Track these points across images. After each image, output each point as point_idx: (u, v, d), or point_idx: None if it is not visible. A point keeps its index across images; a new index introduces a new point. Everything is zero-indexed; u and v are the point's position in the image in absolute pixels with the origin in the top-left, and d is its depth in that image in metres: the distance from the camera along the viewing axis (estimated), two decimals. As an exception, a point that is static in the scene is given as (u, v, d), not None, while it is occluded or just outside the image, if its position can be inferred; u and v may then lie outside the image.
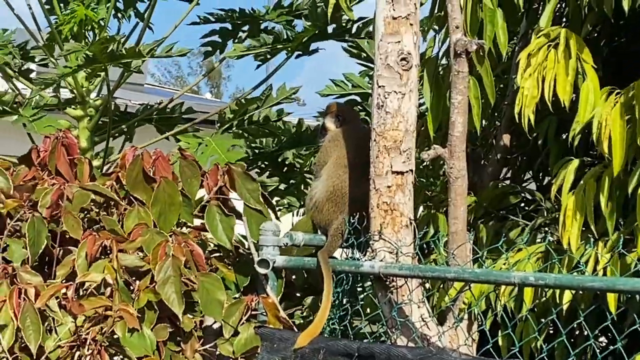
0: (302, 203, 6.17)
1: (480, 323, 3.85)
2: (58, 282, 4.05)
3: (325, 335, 4.07)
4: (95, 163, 5.17)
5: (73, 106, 5.41)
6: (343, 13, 5.23)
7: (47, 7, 5.50)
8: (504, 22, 4.08)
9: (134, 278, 4.10)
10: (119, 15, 5.62)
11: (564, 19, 4.31)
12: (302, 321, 4.69)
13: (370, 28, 5.53)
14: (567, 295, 3.72)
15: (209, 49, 5.87)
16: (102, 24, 5.12)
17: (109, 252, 4.10)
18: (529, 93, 3.85)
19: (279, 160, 6.04)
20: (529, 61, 3.88)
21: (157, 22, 5.73)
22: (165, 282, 3.96)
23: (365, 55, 5.75)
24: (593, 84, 3.80)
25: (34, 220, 4.07)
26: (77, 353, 3.97)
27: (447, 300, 3.84)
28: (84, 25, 5.01)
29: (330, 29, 5.57)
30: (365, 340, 4.00)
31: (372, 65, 5.52)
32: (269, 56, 5.61)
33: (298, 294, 4.78)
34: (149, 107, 6.01)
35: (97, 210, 4.33)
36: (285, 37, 5.44)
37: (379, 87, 3.90)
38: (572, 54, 3.82)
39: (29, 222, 4.05)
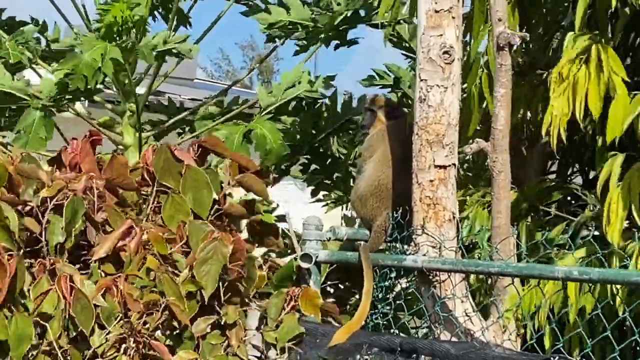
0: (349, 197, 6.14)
1: (525, 319, 3.82)
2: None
3: (369, 330, 4.07)
4: (135, 159, 5.17)
5: (116, 102, 5.44)
6: None
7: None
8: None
9: (175, 269, 4.10)
10: (156, 13, 5.65)
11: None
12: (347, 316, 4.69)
13: (403, 11, 5.50)
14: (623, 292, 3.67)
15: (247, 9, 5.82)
16: (141, 21, 5.12)
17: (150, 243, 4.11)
18: (559, 113, 3.84)
19: (321, 150, 5.97)
20: (561, 77, 3.85)
21: (205, 22, 5.77)
22: (204, 261, 3.95)
23: (407, 45, 5.71)
24: (623, 101, 3.76)
25: (74, 200, 4.06)
26: (124, 346, 3.99)
27: (495, 301, 3.81)
28: (121, 24, 5.01)
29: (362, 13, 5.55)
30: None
31: (414, 56, 5.51)
32: (305, 42, 5.59)
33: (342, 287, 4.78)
34: (202, 101, 6.02)
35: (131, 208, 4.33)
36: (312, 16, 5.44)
37: (422, 80, 3.89)
38: (604, 69, 3.79)
39: (68, 201, 4.04)
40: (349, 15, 5.43)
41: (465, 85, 4.27)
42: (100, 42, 4.92)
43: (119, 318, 3.98)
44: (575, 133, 4.46)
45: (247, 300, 4.16)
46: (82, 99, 5.26)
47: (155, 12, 5.62)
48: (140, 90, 5.67)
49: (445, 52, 3.86)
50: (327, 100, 5.79)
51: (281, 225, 4.60)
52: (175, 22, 5.55)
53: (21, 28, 5.62)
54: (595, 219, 4.15)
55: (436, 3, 3.87)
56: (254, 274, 4.12)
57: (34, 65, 5.58)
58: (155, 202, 4.27)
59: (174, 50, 5.05)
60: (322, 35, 5.56)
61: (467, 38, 4.43)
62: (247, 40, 39.32)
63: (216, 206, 4.22)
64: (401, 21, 5.59)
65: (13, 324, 3.86)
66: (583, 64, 3.84)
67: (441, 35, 3.86)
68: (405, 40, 5.69)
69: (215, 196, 4.19)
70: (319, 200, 6.20)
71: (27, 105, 5.19)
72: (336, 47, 5.68)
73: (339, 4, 5.39)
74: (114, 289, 3.97)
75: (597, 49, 3.83)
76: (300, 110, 5.68)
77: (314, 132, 5.83)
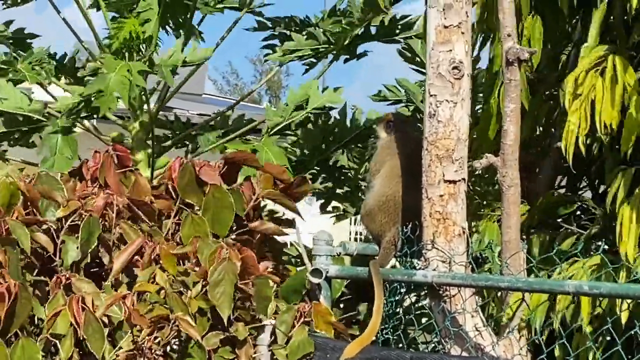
0: (357, 210, 6.14)
1: (535, 333, 3.82)
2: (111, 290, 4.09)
3: (379, 345, 4.07)
4: (147, 174, 5.19)
5: (126, 118, 5.45)
6: (385, 11, 5.24)
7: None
8: (539, 32, 4.06)
9: (185, 287, 4.11)
10: (167, 28, 5.66)
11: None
12: (357, 332, 4.69)
13: (415, 27, 5.51)
14: (625, 305, 3.67)
15: (270, 51, 5.86)
16: (151, 38, 5.14)
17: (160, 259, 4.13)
18: (575, 128, 3.85)
19: (330, 163, 5.99)
20: (576, 91, 3.86)
21: (215, 36, 5.78)
22: (217, 284, 3.97)
23: (419, 59, 5.72)
24: (637, 113, 3.77)
25: (89, 220, 4.10)
26: (134, 362, 4.01)
27: (506, 319, 3.81)
28: (133, 40, 5.03)
29: (373, 30, 5.55)
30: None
31: (422, 70, 5.53)
32: (314, 60, 5.60)
33: (352, 303, 4.77)
34: (209, 117, 6.03)
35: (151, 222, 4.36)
36: (325, 38, 5.44)
37: (431, 96, 3.90)
38: (618, 80, 3.79)
39: (84, 221, 4.08)
40: (360, 33, 5.43)
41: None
42: (119, 60, 4.93)
43: (128, 334, 3.99)
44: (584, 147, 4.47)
45: (257, 317, 4.16)
46: (96, 116, 5.27)
47: (167, 27, 5.64)
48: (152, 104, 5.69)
49: (455, 68, 3.87)
50: (336, 114, 5.80)
51: (290, 238, 4.61)
52: (186, 37, 5.56)
53: (30, 50, 5.64)
54: (605, 232, 4.15)
55: (445, 18, 3.88)
56: (266, 292, 4.11)
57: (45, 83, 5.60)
58: (177, 218, 4.30)
59: (187, 60, 5.05)
60: (334, 52, 5.56)
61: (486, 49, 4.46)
62: (257, 54, 39.32)
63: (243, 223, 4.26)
64: (412, 36, 5.60)
65: (19, 350, 3.87)
66: (599, 75, 3.84)
67: (450, 50, 3.88)
68: (417, 54, 5.70)
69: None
70: (327, 212, 6.20)
71: (43, 126, 5.22)
72: (345, 60, 5.69)
73: (350, 16, 5.37)
74: (122, 304, 3.99)
75: (613, 59, 3.83)
76: (308, 123, 5.68)
77: (323, 146, 5.83)
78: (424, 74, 5.53)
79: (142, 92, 5.23)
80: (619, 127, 3.79)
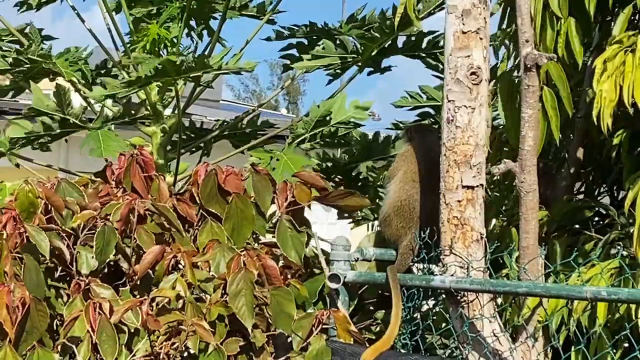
0: (375, 216, 6.17)
1: (553, 339, 3.81)
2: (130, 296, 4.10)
3: (397, 350, 4.07)
4: (168, 179, 5.21)
5: (147, 123, 5.47)
6: (413, 27, 5.23)
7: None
8: (577, 31, 4.04)
9: (204, 293, 4.13)
10: (192, 33, 5.68)
11: (638, 29, 4.25)
12: (374, 337, 4.68)
13: (442, 43, 5.50)
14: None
15: (288, 62, 5.89)
16: (175, 41, 5.18)
17: (181, 266, 4.14)
18: (607, 95, 3.80)
19: (353, 174, 6.03)
20: (605, 66, 3.84)
21: (231, 40, 5.79)
22: (236, 294, 3.98)
23: (442, 68, 5.72)
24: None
25: (104, 229, 4.12)
26: (152, 366, 4.01)
27: (522, 320, 3.81)
28: (157, 44, 5.07)
29: (400, 43, 5.55)
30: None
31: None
32: (339, 70, 5.61)
33: (371, 308, 4.77)
34: (224, 123, 6.05)
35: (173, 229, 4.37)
36: (353, 48, 5.44)
37: (449, 101, 3.90)
38: None
39: (99, 230, 4.10)
40: (387, 45, 5.43)
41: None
42: (154, 57, 4.94)
43: (145, 339, 4.00)
44: (600, 152, 4.46)
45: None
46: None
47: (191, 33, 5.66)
48: (167, 111, 5.71)
49: (473, 73, 3.87)
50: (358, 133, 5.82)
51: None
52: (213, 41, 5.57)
53: (67, 47, 5.66)
54: (623, 239, 4.14)
55: (463, 24, 3.88)
56: (287, 308, 4.08)
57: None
58: (199, 225, 4.31)
59: (231, 69, 5.05)
60: (359, 64, 5.57)
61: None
62: (275, 59, 39.30)
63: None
64: (437, 53, 5.58)
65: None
66: (630, 53, 3.82)
67: (469, 56, 3.88)
68: (441, 62, 5.69)
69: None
70: (345, 218, 6.21)
71: (79, 129, 5.25)
72: (369, 73, 5.69)
73: (376, 29, 5.37)
74: (139, 310, 4.00)
75: None
76: (332, 137, 5.69)
77: (346, 159, 5.86)
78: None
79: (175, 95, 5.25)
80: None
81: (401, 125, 5.99)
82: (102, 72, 5.89)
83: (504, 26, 4.43)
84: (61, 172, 5.86)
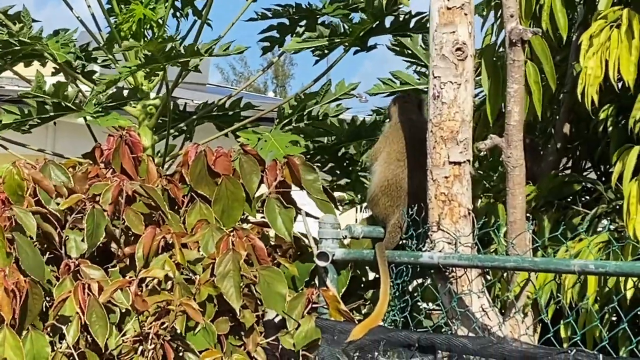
0: (362, 198, 6.16)
1: (542, 313, 3.83)
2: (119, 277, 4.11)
3: (386, 326, 4.08)
4: (155, 161, 5.20)
5: (133, 105, 5.45)
6: (400, 6, 5.22)
7: (107, 7, 5.54)
8: (562, 6, 4.04)
9: (193, 274, 4.13)
10: (177, 14, 5.66)
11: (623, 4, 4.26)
12: (361, 317, 4.70)
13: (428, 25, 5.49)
14: (630, 283, 3.68)
15: (267, 44, 5.88)
16: (161, 22, 5.15)
17: (170, 247, 4.15)
18: (592, 72, 3.81)
19: (339, 154, 6.02)
20: (591, 42, 3.84)
21: (215, 20, 5.75)
22: (224, 275, 3.99)
23: (410, 52, 5.72)
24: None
25: (94, 212, 4.11)
26: (140, 347, 4.01)
27: (512, 296, 3.82)
28: (142, 25, 5.04)
29: (388, 23, 5.54)
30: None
31: (417, 62, 5.53)
32: (326, 51, 5.60)
33: (361, 285, 4.78)
34: (208, 104, 6.04)
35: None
36: (342, 30, 5.43)
37: (435, 77, 3.90)
38: (635, 34, 3.77)
39: (89, 213, 4.10)
40: (374, 25, 5.42)
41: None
42: (135, 42, 4.92)
43: (133, 319, 4.01)
44: (587, 127, 4.47)
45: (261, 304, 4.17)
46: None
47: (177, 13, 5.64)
48: (152, 93, 5.68)
49: (458, 49, 3.87)
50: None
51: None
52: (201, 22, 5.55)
53: (55, 30, 5.63)
54: (611, 213, 4.15)
55: (448, 0, 3.88)
56: (278, 288, 4.10)
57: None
58: (189, 207, 4.32)
59: (220, 55, 5.04)
60: (346, 44, 5.56)
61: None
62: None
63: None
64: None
65: (28, 343, 3.89)
66: (615, 28, 3.82)
67: (454, 32, 3.88)
68: (407, 47, 5.70)
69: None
70: (332, 199, 6.20)
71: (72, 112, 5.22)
72: (355, 52, 5.68)
73: (366, 12, 5.36)
74: (128, 291, 4.00)
75: (628, 13, 3.81)
76: (320, 117, 5.70)
77: (333, 140, 5.86)
78: (417, 64, 5.58)
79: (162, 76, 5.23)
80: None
81: (381, 110, 5.99)
82: (83, 55, 5.85)
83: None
84: (53, 158, 5.84)
